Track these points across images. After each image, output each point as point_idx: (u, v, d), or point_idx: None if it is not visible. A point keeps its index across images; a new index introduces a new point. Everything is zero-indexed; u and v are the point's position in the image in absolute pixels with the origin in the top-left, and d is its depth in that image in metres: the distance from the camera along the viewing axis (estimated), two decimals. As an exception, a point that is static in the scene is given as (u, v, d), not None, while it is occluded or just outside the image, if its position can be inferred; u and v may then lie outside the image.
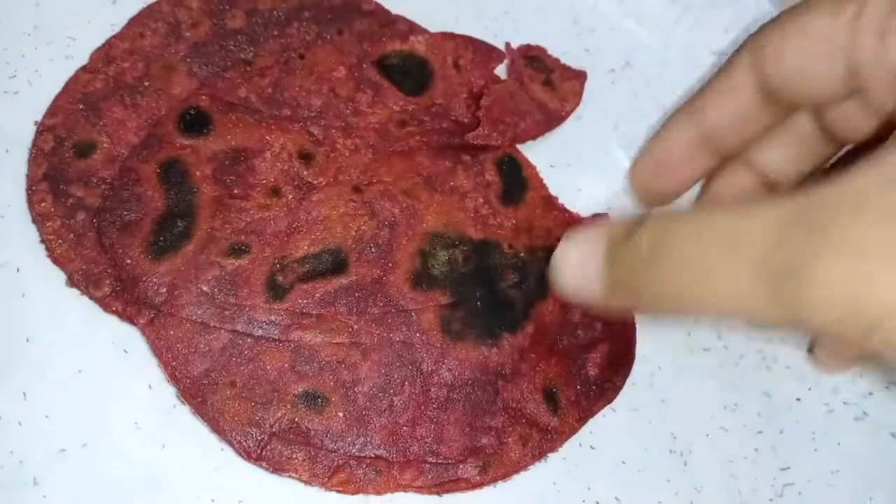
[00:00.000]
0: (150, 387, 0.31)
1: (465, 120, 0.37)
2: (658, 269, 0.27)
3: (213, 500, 0.30)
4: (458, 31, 0.39)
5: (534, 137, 0.38)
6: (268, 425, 0.30)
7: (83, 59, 0.35)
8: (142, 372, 0.31)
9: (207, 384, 0.30)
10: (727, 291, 0.24)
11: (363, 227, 0.33)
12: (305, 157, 0.34)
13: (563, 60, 0.40)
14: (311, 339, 0.31)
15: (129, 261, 0.31)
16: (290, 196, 0.33)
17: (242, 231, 0.32)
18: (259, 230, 0.33)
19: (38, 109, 0.34)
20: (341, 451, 0.31)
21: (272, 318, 0.31)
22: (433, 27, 0.39)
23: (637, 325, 0.35)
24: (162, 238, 0.32)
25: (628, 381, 0.35)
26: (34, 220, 0.32)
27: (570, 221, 0.36)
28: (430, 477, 0.31)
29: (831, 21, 0.28)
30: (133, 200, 0.32)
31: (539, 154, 0.38)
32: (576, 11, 0.42)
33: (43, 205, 0.32)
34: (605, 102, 0.40)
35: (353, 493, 0.30)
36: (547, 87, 0.39)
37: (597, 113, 0.40)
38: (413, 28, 0.38)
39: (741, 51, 0.32)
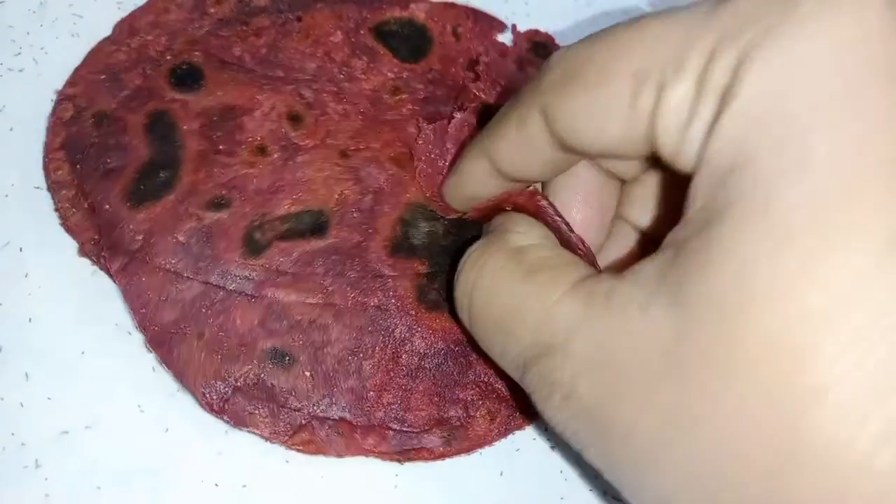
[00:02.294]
0: (153, 369, 0.31)
1: (461, 85, 0.36)
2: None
3: (216, 485, 0.30)
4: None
5: None
6: (233, 379, 0.30)
7: (89, 37, 0.35)
8: (146, 355, 0.31)
9: (176, 334, 0.30)
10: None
11: (347, 192, 0.33)
12: (295, 119, 0.34)
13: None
14: (284, 298, 0.31)
15: (107, 206, 0.31)
16: (276, 155, 0.33)
17: (224, 186, 0.32)
18: (241, 186, 0.32)
19: (44, 87, 0.34)
20: (305, 410, 0.30)
21: (246, 272, 0.31)
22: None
23: None
24: (143, 186, 0.32)
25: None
26: (49, 188, 0.32)
27: None
28: (393, 444, 0.31)
29: (629, 110, 0.24)
30: (118, 149, 0.32)
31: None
32: (589, -6, 0.41)
33: (59, 173, 0.32)
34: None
35: (313, 454, 0.30)
36: None
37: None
38: None
39: (532, 105, 0.27)
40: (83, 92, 0.33)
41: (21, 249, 0.31)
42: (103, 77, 0.34)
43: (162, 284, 0.31)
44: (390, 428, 0.31)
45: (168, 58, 0.34)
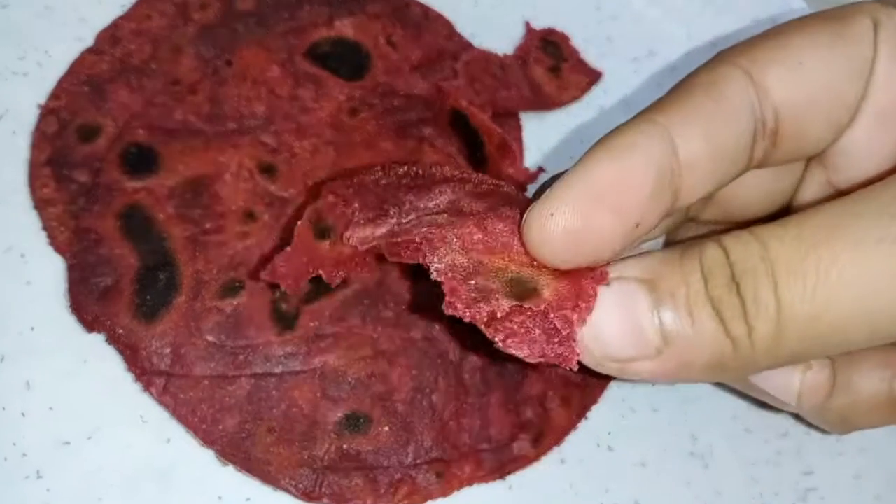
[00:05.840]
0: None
1: (416, 91, 0.35)
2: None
3: (220, 498, 0.29)
4: (477, 15, 0.38)
5: (515, 110, 0.37)
6: (318, 461, 0.29)
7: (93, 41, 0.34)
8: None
9: (245, 437, 0.29)
10: None
11: None
12: (267, 170, 0.32)
13: (586, 48, 0.39)
14: (335, 361, 0.30)
15: (120, 331, 0.29)
16: (266, 216, 0.31)
17: (229, 267, 0.30)
18: (246, 261, 0.30)
19: (47, 91, 0.33)
20: (396, 464, 0.30)
21: (288, 349, 0.30)
22: (450, 11, 0.37)
23: None
24: (148, 297, 0.29)
25: (649, 382, 0.34)
26: (36, 206, 0.31)
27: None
28: (489, 465, 0.30)
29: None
30: (102, 264, 0.29)
31: (560, 144, 0.37)
32: (598, -2, 0.41)
33: (45, 190, 0.30)
34: (628, 92, 0.39)
35: (422, 503, 0.30)
36: (552, 73, 0.38)
37: (619, 102, 0.39)
38: (336, 13, 0.36)
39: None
40: (66, 105, 0.32)
41: (23, 256, 0.31)
42: (86, 89, 0.32)
43: (211, 393, 0.29)
44: (481, 450, 0.31)
45: (153, 66, 0.33)
